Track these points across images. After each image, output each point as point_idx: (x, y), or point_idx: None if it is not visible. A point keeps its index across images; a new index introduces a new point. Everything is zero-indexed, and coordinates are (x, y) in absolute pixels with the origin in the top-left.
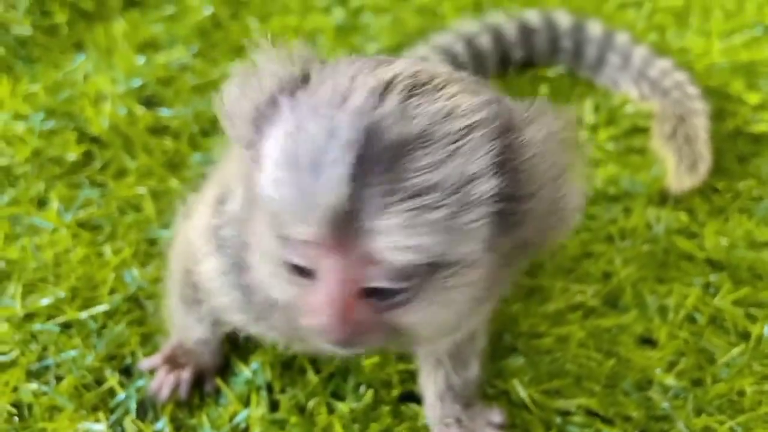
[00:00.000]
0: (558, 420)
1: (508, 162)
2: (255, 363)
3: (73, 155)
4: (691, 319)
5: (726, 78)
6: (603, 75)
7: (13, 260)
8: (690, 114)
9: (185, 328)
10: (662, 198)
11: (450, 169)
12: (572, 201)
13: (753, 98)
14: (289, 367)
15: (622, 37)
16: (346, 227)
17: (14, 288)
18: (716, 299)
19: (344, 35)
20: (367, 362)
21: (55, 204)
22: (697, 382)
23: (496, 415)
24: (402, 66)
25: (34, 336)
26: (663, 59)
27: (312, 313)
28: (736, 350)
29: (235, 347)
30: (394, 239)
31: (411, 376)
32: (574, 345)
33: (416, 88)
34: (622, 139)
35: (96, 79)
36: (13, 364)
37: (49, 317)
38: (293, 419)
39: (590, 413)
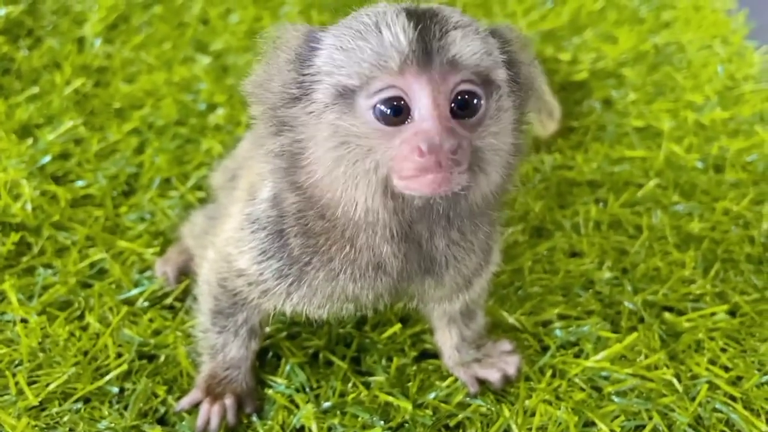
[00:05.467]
0: (543, 330)
1: (495, 33)
2: (288, 366)
3: (6, 246)
4: (597, 228)
5: (538, 46)
6: None
7: None
8: None
9: (220, 348)
10: (536, 145)
11: (470, 21)
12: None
13: (565, 56)
14: (315, 364)
15: None
16: (425, 49)
17: (14, 383)
18: (608, 208)
19: (219, 77)
20: (381, 337)
21: (13, 296)
22: (624, 271)
23: (506, 345)
24: None
25: (56, 421)
26: None
27: (412, 144)
28: (638, 241)
29: (261, 365)
30: (463, 45)
31: (419, 339)
32: (527, 272)
33: None
34: None
35: None
36: None
37: (65, 398)
38: (341, 404)
39: (562, 317)
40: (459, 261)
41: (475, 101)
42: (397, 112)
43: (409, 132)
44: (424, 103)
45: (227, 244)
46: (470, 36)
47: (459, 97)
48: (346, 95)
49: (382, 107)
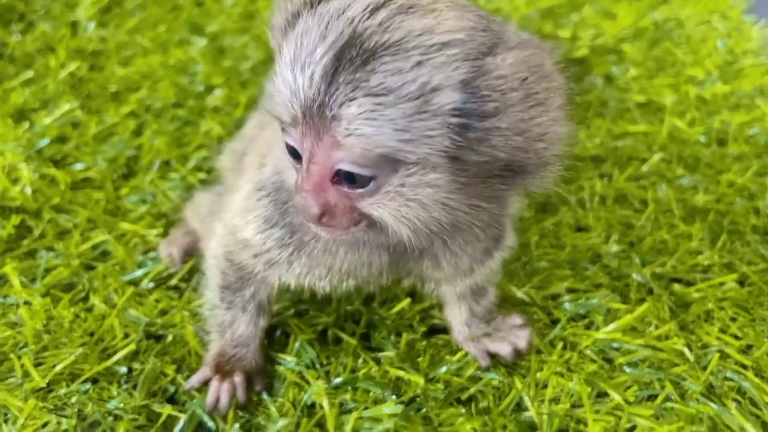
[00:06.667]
0: (552, 303)
1: (474, 80)
2: (297, 343)
3: (6, 229)
4: (602, 202)
5: (538, 24)
6: None
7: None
8: None
9: (228, 325)
10: None
11: (412, 77)
12: (551, 128)
13: (565, 33)
14: (324, 341)
15: None
16: (318, 114)
17: (20, 365)
18: (613, 183)
19: (216, 59)
20: (390, 313)
21: (15, 279)
22: (631, 244)
23: (517, 319)
24: None
25: (64, 402)
26: None
27: (297, 191)
28: (644, 215)
29: (270, 343)
30: (354, 126)
31: (427, 315)
32: (534, 247)
33: (409, 8)
34: None
35: None
36: None
37: (73, 379)
38: (352, 379)
39: (571, 291)
40: (454, 252)
41: (361, 182)
42: (294, 154)
43: (298, 175)
44: (304, 169)
45: (234, 216)
46: (379, 111)
47: (341, 171)
48: None
49: (285, 145)
